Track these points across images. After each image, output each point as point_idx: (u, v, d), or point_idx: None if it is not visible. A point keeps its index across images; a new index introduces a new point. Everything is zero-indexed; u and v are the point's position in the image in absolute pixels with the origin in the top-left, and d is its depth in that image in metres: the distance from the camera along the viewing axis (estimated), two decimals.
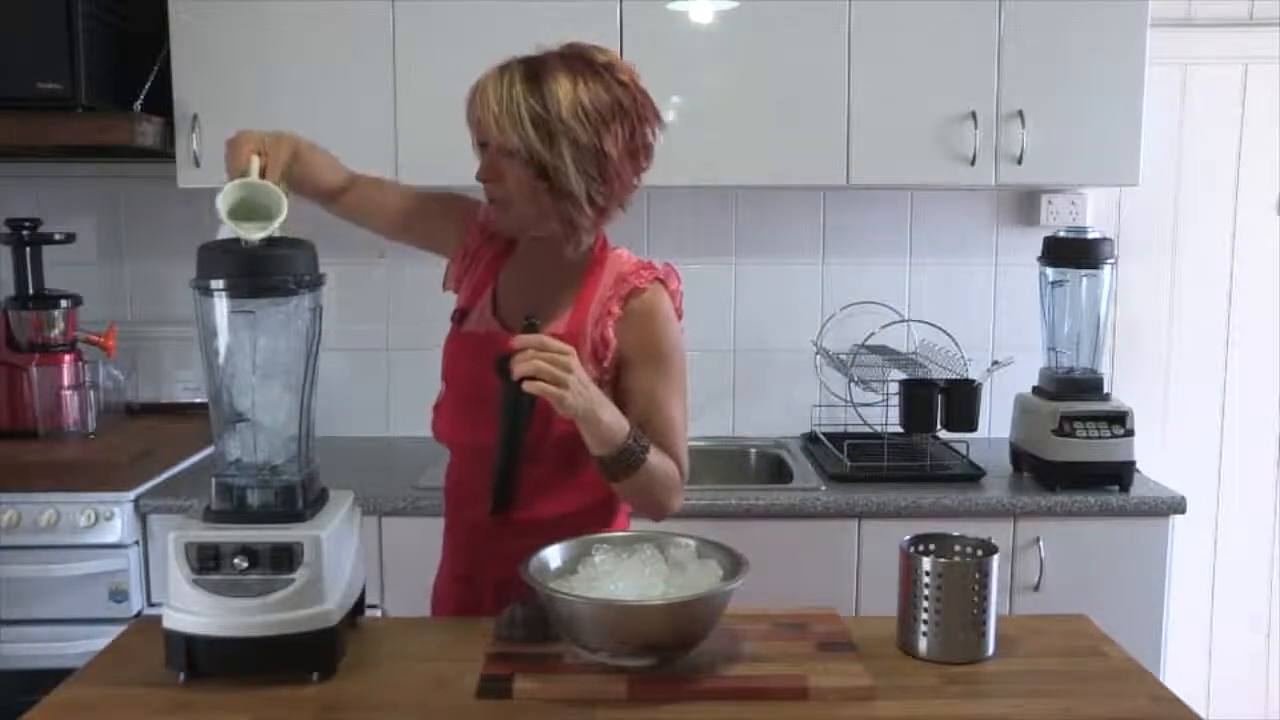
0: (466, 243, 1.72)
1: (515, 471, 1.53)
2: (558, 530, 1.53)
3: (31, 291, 2.77)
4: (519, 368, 1.41)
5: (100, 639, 1.60)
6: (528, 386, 1.41)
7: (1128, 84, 2.66)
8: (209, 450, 2.71)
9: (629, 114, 1.54)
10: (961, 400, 2.63)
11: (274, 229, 1.38)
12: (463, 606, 1.69)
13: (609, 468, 1.52)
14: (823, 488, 2.57)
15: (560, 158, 1.50)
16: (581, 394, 1.43)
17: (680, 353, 1.65)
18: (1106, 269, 2.68)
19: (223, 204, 1.39)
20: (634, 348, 1.61)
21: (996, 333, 3.07)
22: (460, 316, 1.69)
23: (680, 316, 1.66)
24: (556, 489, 1.61)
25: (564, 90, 1.49)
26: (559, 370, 1.41)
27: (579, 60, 1.54)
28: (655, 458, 1.55)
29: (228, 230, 1.38)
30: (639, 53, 2.59)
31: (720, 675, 1.37)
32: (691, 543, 1.50)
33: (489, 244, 1.71)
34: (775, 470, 2.87)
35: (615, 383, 1.61)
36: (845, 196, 3.03)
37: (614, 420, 1.50)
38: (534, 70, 1.52)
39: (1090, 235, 2.67)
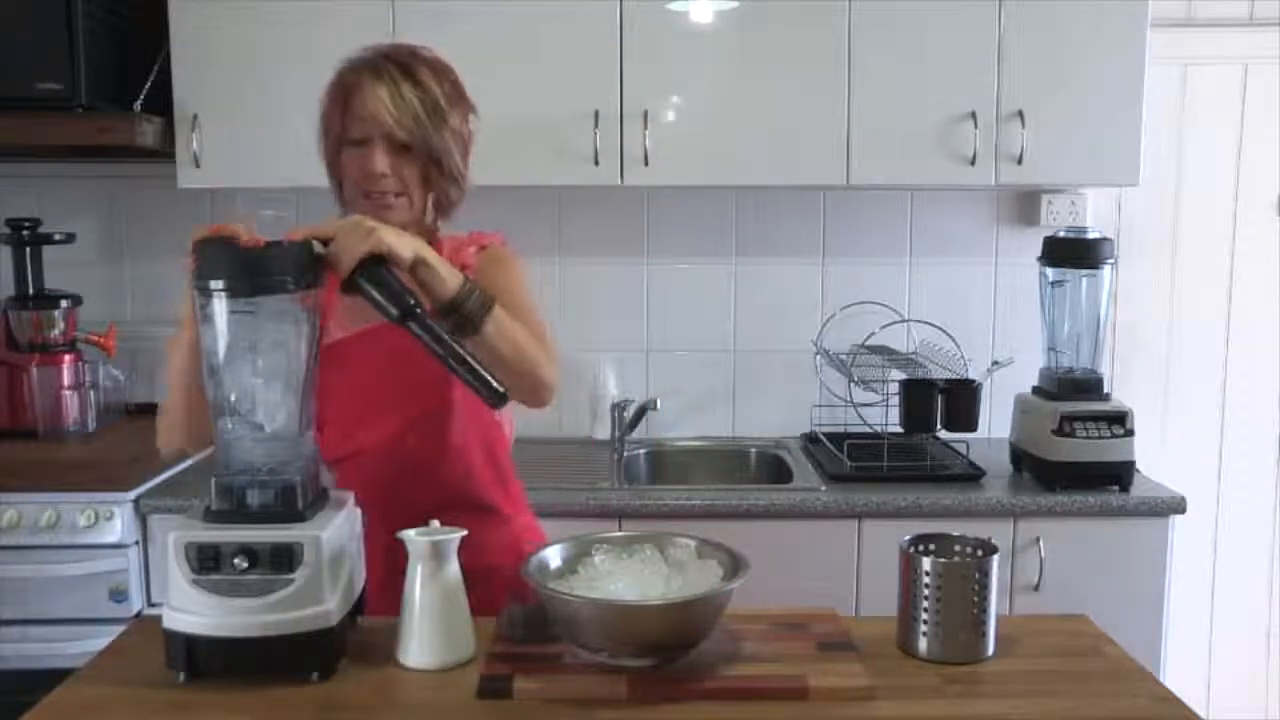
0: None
1: (463, 350, 1.40)
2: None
3: (31, 291, 2.78)
4: (342, 262, 1.36)
5: (100, 639, 1.60)
6: (356, 255, 1.35)
7: (1128, 84, 2.66)
8: (209, 450, 2.71)
9: (465, 98, 1.68)
10: (961, 400, 2.63)
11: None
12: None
13: (461, 310, 1.43)
14: (823, 488, 2.57)
15: (445, 142, 1.61)
16: (397, 236, 1.39)
17: (534, 294, 1.68)
18: (1106, 269, 2.68)
19: None
20: (489, 284, 1.55)
21: (996, 333, 3.07)
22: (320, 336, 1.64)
23: None
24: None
25: (434, 81, 1.61)
26: (363, 231, 1.37)
27: (419, 56, 1.64)
28: (511, 319, 1.50)
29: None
30: (639, 53, 2.62)
31: (720, 675, 1.37)
32: (691, 543, 1.50)
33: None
34: (775, 470, 2.87)
35: None
36: (845, 196, 3.03)
37: (446, 265, 1.45)
38: (403, 66, 1.61)
39: (1090, 235, 2.68)
